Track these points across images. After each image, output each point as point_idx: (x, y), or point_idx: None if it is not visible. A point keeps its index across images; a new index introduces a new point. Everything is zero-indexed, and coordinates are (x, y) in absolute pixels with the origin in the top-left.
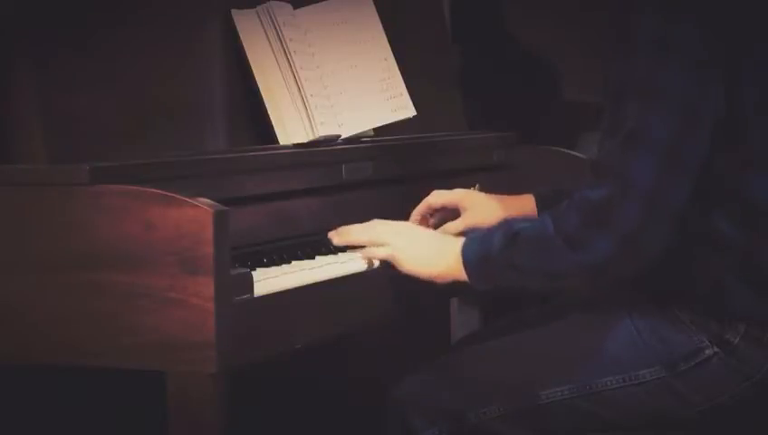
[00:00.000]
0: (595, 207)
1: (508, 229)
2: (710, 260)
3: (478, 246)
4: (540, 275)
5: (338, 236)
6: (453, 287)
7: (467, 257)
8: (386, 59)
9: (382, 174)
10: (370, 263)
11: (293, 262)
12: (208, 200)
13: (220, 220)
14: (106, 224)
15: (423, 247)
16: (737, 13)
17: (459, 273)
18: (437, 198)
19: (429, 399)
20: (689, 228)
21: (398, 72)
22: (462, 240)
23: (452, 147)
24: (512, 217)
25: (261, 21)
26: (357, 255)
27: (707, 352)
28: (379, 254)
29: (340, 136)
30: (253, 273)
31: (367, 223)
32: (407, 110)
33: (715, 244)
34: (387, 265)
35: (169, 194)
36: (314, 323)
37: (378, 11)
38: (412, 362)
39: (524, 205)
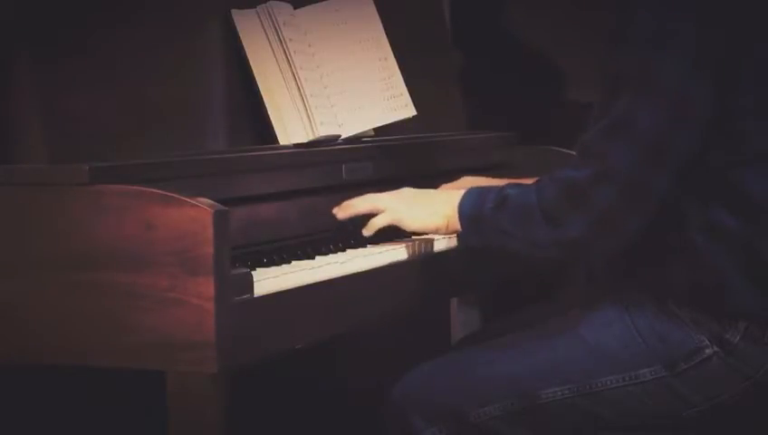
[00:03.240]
0: (573, 187)
1: (500, 191)
2: (711, 257)
3: (474, 201)
4: (522, 241)
5: (341, 211)
6: (453, 286)
7: (462, 211)
8: (386, 59)
9: (382, 174)
10: (372, 261)
11: (293, 262)
12: (208, 200)
13: (220, 220)
14: (106, 224)
15: (421, 204)
16: (737, 12)
17: (457, 225)
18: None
19: (429, 399)
20: (690, 224)
21: (398, 72)
22: (461, 193)
23: (452, 147)
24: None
25: (261, 21)
26: (357, 254)
27: (707, 351)
28: (381, 221)
29: (340, 136)
30: (253, 273)
31: (366, 195)
32: (407, 110)
33: (716, 241)
34: (387, 266)
35: (169, 194)
36: (314, 323)
37: (378, 11)
38: (412, 362)
39: None
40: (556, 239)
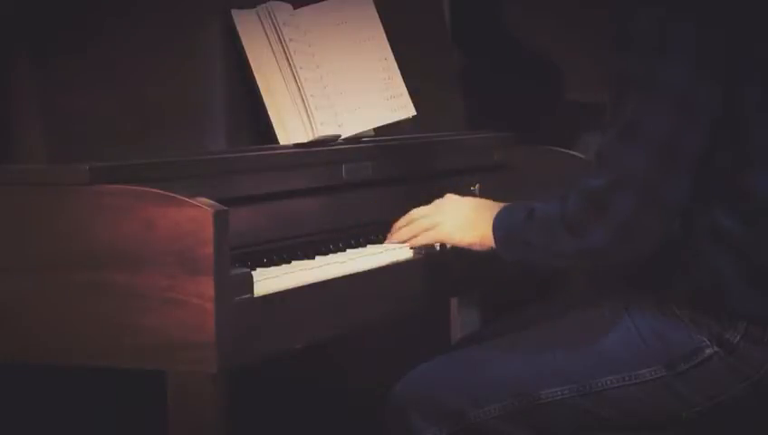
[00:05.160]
0: (593, 196)
1: (528, 206)
2: (711, 257)
3: (506, 218)
4: (547, 253)
5: (393, 237)
6: (453, 286)
7: (496, 228)
8: (386, 59)
9: (382, 174)
10: (371, 262)
11: (293, 262)
12: (208, 200)
13: (220, 220)
14: (106, 224)
15: (461, 216)
16: (737, 12)
17: (492, 241)
18: None
19: (429, 399)
20: (690, 225)
21: (398, 72)
22: (497, 209)
23: (452, 147)
24: None
25: (261, 21)
26: (356, 254)
27: (707, 351)
28: (424, 241)
29: (340, 136)
30: (253, 273)
31: (407, 215)
32: (407, 110)
33: (717, 241)
34: (387, 266)
35: (169, 194)
36: (314, 323)
37: (378, 11)
38: (412, 363)
39: None
40: (580, 250)
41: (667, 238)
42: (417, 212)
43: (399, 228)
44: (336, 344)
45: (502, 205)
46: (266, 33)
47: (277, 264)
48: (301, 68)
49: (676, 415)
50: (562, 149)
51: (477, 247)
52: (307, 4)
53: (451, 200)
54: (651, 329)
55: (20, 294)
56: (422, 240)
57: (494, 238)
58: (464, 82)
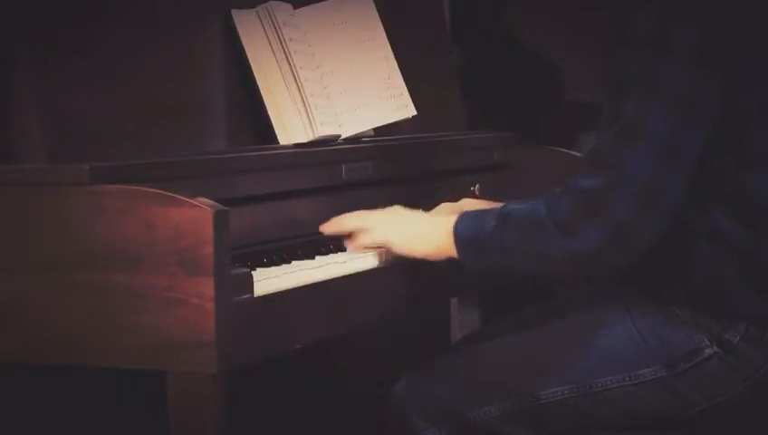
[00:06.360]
0: (588, 197)
1: (501, 210)
2: (710, 259)
3: (470, 223)
4: (529, 257)
5: (329, 226)
6: (453, 286)
7: (459, 235)
8: (386, 59)
9: (382, 174)
10: (372, 261)
11: (293, 262)
12: (208, 200)
13: (220, 220)
14: (106, 224)
15: (414, 226)
16: (737, 13)
17: (451, 250)
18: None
19: (429, 399)
20: (690, 227)
21: (399, 72)
22: (455, 217)
23: (452, 147)
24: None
25: (261, 21)
26: (357, 254)
27: (707, 351)
28: (368, 241)
29: (340, 136)
30: (253, 273)
31: (357, 212)
32: (407, 110)
33: (716, 242)
34: (387, 265)
35: (169, 194)
36: (314, 323)
37: (378, 11)
38: (412, 362)
39: None
40: (572, 252)
41: (666, 239)
42: (363, 213)
43: (341, 221)
44: (336, 344)
45: (453, 217)
46: (266, 33)
47: (277, 264)
48: (301, 68)
49: (676, 415)
50: (562, 149)
51: (432, 258)
52: (307, 4)
53: (399, 209)
54: (651, 329)
55: (20, 294)
56: (365, 241)
57: (457, 246)
58: (464, 82)
